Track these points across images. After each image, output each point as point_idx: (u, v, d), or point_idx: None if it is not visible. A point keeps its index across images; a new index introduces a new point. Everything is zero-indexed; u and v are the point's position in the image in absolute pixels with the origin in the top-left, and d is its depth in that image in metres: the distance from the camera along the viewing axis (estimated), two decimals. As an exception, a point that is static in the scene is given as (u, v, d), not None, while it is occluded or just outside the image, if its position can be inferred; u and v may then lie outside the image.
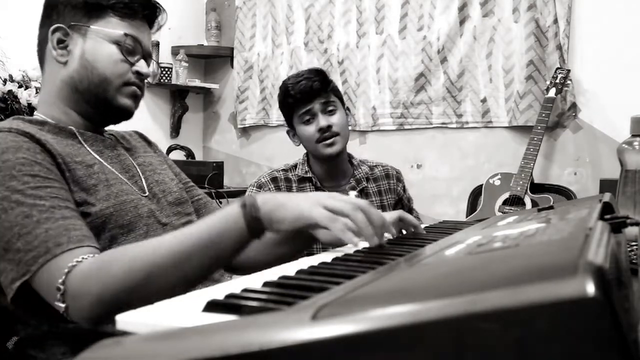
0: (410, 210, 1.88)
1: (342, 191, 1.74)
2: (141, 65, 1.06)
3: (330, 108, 1.68)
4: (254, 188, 1.72)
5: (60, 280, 0.78)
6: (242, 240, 0.80)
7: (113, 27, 1.03)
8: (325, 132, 1.66)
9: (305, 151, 1.81)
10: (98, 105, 1.05)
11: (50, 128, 1.01)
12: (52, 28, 1.03)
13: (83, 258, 0.80)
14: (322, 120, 1.66)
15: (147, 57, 1.09)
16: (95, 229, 0.92)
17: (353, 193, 0.94)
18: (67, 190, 0.90)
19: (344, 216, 0.79)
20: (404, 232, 1.04)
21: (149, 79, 1.12)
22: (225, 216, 0.81)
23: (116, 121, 1.10)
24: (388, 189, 1.80)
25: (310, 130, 1.68)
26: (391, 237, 0.96)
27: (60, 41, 1.03)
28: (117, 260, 0.79)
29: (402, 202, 1.85)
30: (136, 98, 1.08)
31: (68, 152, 0.96)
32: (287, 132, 1.80)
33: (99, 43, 1.03)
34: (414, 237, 0.96)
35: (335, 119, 1.68)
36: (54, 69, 1.05)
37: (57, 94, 1.05)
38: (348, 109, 1.80)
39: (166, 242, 0.80)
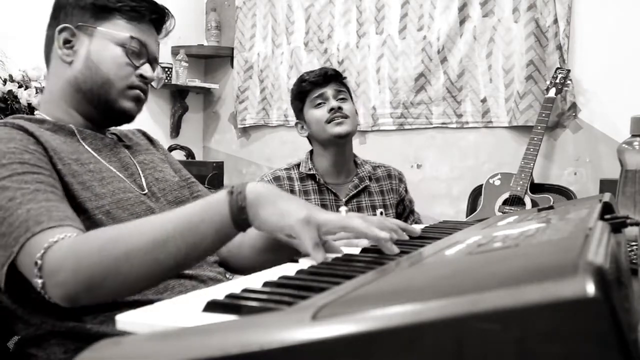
0: (411, 212, 1.89)
1: (345, 188, 1.75)
2: (145, 69, 1.06)
3: (342, 96, 1.77)
4: None
5: (38, 255, 0.76)
6: (223, 229, 0.75)
7: (120, 29, 1.04)
8: (336, 112, 1.72)
9: (308, 149, 1.83)
10: (100, 106, 1.05)
11: (50, 126, 1.01)
12: (59, 28, 1.04)
13: (66, 235, 0.78)
14: (334, 102, 1.73)
15: (152, 62, 1.09)
16: (91, 227, 0.92)
17: (344, 209, 0.91)
18: (56, 179, 0.90)
19: (339, 230, 0.75)
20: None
21: (154, 84, 1.12)
22: (210, 201, 0.77)
23: (118, 123, 1.11)
24: (390, 189, 1.81)
25: (321, 112, 1.74)
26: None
27: (66, 41, 1.04)
28: (94, 239, 0.77)
29: (404, 203, 1.86)
30: (139, 101, 1.08)
31: (64, 149, 0.96)
32: (296, 124, 1.84)
33: (105, 45, 1.03)
34: (414, 237, 0.96)
35: (346, 105, 1.75)
36: (59, 69, 1.06)
37: (61, 93, 1.05)
38: (356, 111, 1.85)
39: (146, 224, 0.78)
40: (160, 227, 0.76)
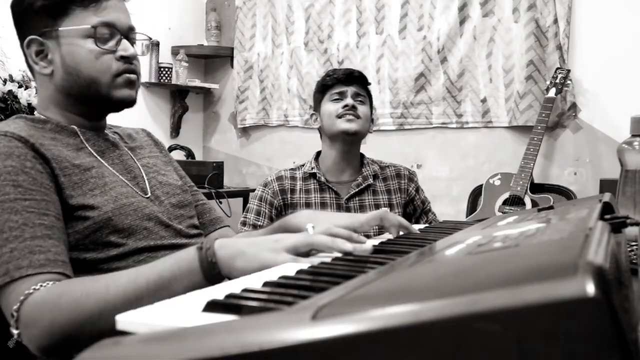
0: (424, 212, 1.88)
1: (347, 187, 1.76)
2: (124, 48, 1.01)
3: (361, 99, 1.80)
4: (261, 187, 1.80)
5: (15, 307, 0.79)
6: (195, 284, 0.76)
7: (81, 20, 0.98)
8: (349, 110, 1.75)
9: (315, 150, 1.85)
10: (95, 104, 1.03)
11: (52, 127, 1.00)
12: (25, 42, 1.01)
13: (41, 285, 0.79)
14: (350, 100, 1.77)
15: (128, 35, 1.03)
16: (94, 233, 0.92)
17: (310, 227, 0.95)
18: (51, 201, 0.89)
19: (308, 248, 0.79)
20: (392, 232, 1.02)
21: (142, 53, 1.08)
22: (180, 259, 0.79)
23: (118, 110, 1.07)
24: (398, 188, 1.81)
25: (334, 107, 1.77)
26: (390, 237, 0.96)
27: (38, 52, 1.01)
28: (68, 293, 0.78)
29: (415, 203, 1.85)
30: (132, 84, 1.03)
31: (66, 155, 0.95)
32: (311, 116, 1.89)
33: (73, 43, 0.98)
34: (414, 237, 0.96)
35: (362, 107, 1.79)
36: (43, 81, 1.03)
37: (53, 100, 1.04)
38: (372, 120, 1.88)
39: (119, 280, 0.79)
40: (134, 282, 0.78)
